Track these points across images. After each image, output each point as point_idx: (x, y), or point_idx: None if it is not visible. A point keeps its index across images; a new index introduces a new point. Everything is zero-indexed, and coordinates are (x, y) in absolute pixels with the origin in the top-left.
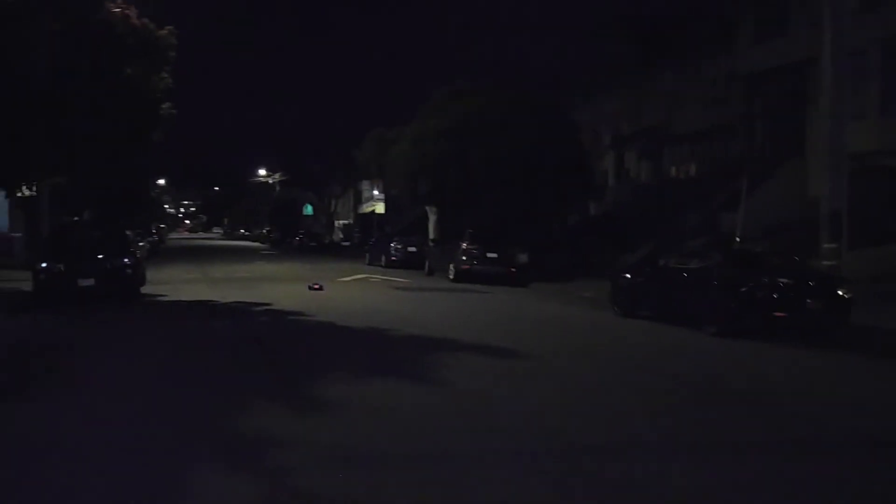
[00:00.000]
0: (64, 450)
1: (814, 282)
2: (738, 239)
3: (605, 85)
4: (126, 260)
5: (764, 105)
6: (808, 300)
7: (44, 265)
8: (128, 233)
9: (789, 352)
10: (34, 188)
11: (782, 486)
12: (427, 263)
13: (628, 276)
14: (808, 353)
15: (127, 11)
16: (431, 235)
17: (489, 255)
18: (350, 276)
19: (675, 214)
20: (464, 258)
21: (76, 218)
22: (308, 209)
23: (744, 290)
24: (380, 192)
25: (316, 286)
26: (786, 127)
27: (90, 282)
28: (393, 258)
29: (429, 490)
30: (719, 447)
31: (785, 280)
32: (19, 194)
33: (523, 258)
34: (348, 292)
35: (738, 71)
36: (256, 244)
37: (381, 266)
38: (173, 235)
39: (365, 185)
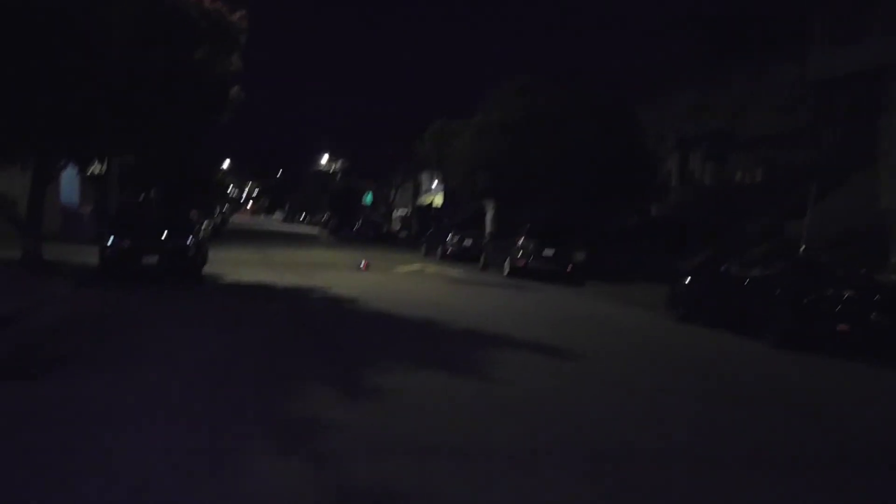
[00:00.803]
0: (120, 419)
1: (880, 295)
2: (802, 248)
3: (671, 85)
4: (189, 240)
5: (835, 112)
6: (873, 314)
7: (110, 241)
8: (192, 213)
9: (850, 367)
10: (104, 166)
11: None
12: (482, 257)
13: (687, 280)
14: (871, 368)
15: None
16: (488, 230)
17: (546, 251)
18: (406, 266)
19: (739, 220)
20: (520, 254)
21: (143, 196)
22: (368, 198)
23: (806, 301)
24: (439, 183)
25: (363, 265)
26: (857, 136)
27: (153, 259)
28: (449, 251)
29: (472, 483)
30: (769, 460)
31: (850, 292)
32: (90, 171)
33: (580, 257)
34: (403, 283)
35: (809, 76)
36: (316, 230)
37: (436, 258)
38: (235, 218)
39: (424, 176)
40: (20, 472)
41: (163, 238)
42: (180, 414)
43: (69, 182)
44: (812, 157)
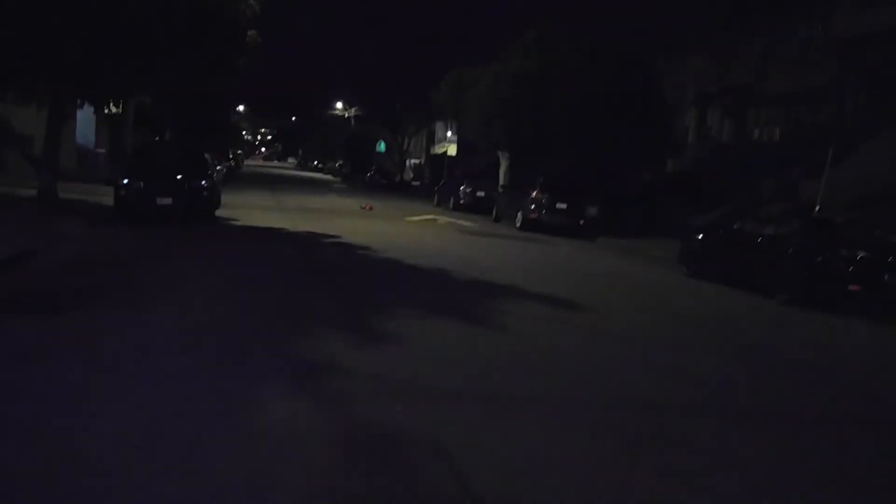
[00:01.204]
0: (135, 355)
1: (893, 257)
2: (817, 208)
3: (692, 40)
4: (203, 182)
5: (858, 72)
6: (886, 276)
7: (125, 182)
8: (206, 156)
9: (860, 327)
10: (120, 106)
11: (830, 458)
12: (495, 209)
13: (701, 236)
14: (880, 329)
15: None
16: (501, 181)
17: (559, 205)
18: (418, 216)
19: (755, 178)
20: (532, 207)
21: (157, 138)
22: (381, 146)
23: (819, 259)
24: (453, 133)
25: (367, 207)
26: (880, 97)
27: (168, 201)
28: (461, 201)
29: (480, 427)
30: (774, 414)
31: (863, 253)
32: (106, 111)
33: (593, 211)
34: (415, 232)
35: (833, 34)
36: (328, 177)
37: (448, 208)
38: (249, 162)
39: (439, 125)
40: (43, 404)
41: (177, 180)
42: (193, 352)
43: (85, 122)
44: (832, 117)
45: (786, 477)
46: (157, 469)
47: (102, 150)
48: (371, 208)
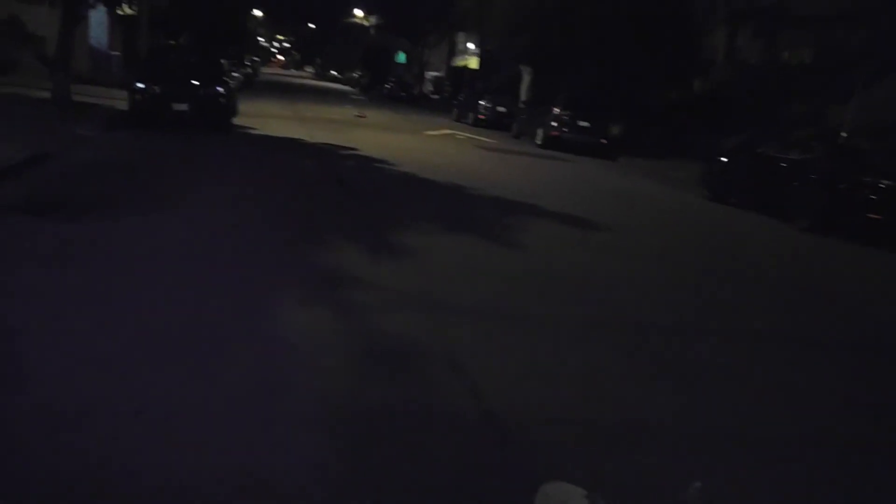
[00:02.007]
0: (154, 261)
1: None
2: (843, 134)
3: None
4: (220, 88)
5: None
6: None
7: (140, 86)
8: (223, 62)
9: (878, 256)
10: (134, 6)
11: (834, 385)
12: (515, 125)
13: (723, 159)
14: None
15: None
16: (523, 97)
17: (581, 123)
18: (436, 130)
19: (783, 101)
20: (554, 123)
21: (173, 42)
22: (401, 57)
23: (842, 186)
24: (475, 46)
25: (361, 115)
26: None
27: (184, 107)
28: (481, 116)
29: (494, 342)
30: (784, 337)
31: (886, 182)
32: (119, 12)
33: (616, 130)
34: (433, 146)
35: None
36: (346, 88)
37: (467, 123)
38: (265, 70)
39: (461, 37)
40: (60, 306)
41: (193, 85)
42: (209, 259)
43: (98, 23)
44: (864, 42)
45: (800, 399)
46: (172, 372)
47: (116, 53)
48: (365, 117)
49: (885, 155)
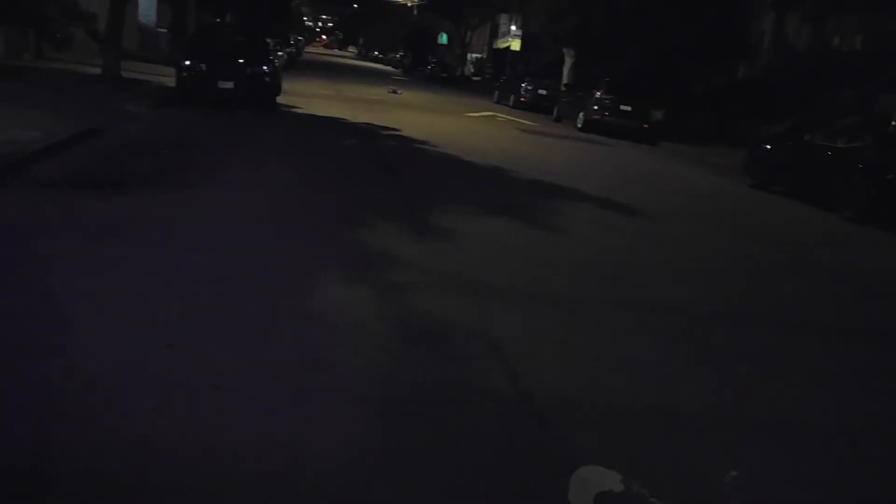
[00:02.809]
0: (194, 238)
1: None
2: (893, 123)
3: None
4: (265, 67)
5: None
6: None
7: (187, 63)
8: (268, 41)
9: None
10: None
11: (875, 378)
12: (556, 108)
13: (768, 146)
14: None
15: None
16: (565, 80)
17: (623, 107)
18: (477, 112)
19: (831, 88)
20: (595, 107)
21: (219, 20)
22: (443, 38)
23: (889, 177)
24: (518, 28)
25: (394, 91)
26: None
27: (230, 85)
28: (522, 99)
29: (532, 325)
30: (825, 329)
31: None
32: None
33: (658, 115)
34: (474, 128)
35: None
36: (389, 68)
37: (508, 105)
38: (309, 49)
39: (503, 18)
40: (111, 278)
41: (239, 63)
42: (254, 236)
43: (147, 1)
44: None
45: (839, 391)
46: (213, 347)
47: (164, 31)
48: (398, 93)
49: None
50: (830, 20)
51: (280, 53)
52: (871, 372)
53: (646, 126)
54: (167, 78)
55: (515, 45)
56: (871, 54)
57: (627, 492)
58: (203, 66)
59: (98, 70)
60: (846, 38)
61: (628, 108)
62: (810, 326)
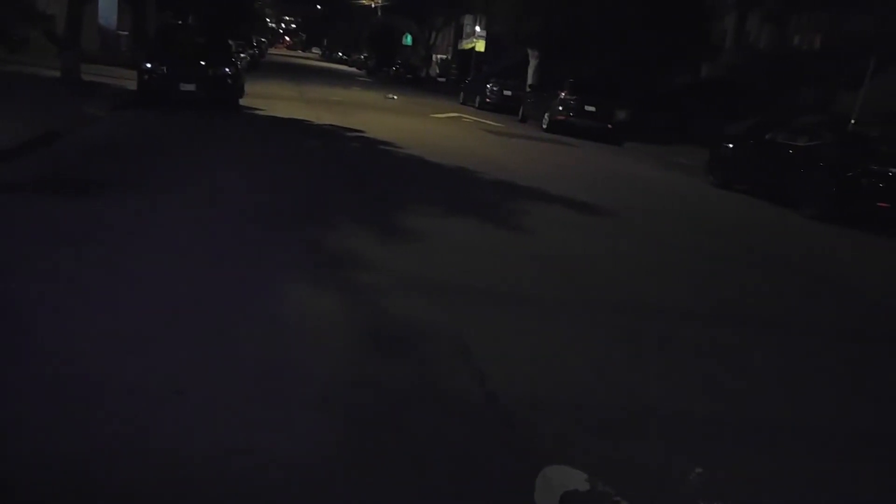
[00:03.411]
0: (156, 242)
1: None
2: (853, 121)
3: None
4: (227, 69)
5: None
6: None
7: (148, 66)
8: (230, 43)
9: (886, 244)
10: None
11: (837, 373)
12: (522, 109)
13: (730, 145)
14: None
15: None
16: (530, 81)
17: (587, 107)
18: (443, 113)
19: (791, 87)
20: (560, 108)
21: (180, 22)
22: (407, 39)
23: (850, 174)
24: (482, 28)
25: (391, 96)
26: None
27: (192, 87)
28: (487, 100)
29: (499, 326)
30: (785, 324)
31: (895, 170)
32: None
33: (622, 115)
34: (439, 129)
35: None
36: (353, 69)
37: (474, 107)
38: (272, 51)
39: (468, 19)
40: (70, 283)
41: (201, 65)
42: (216, 239)
43: (107, 2)
44: (876, 27)
45: (804, 387)
46: (176, 351)
47: (125, 33)
48: (395, 97)
49: (895, 142)
50: (791, 20)
51: (243, 55)
52: (834, 368)
53: (610, 126)
54: (128, 80)
55: (480, 45)
56: (831, 54)
57: (592, 491)
58: (165, 68)
59: (57, 73)
60: (806, 37)
61: (593, 109)
62: (774, 323)
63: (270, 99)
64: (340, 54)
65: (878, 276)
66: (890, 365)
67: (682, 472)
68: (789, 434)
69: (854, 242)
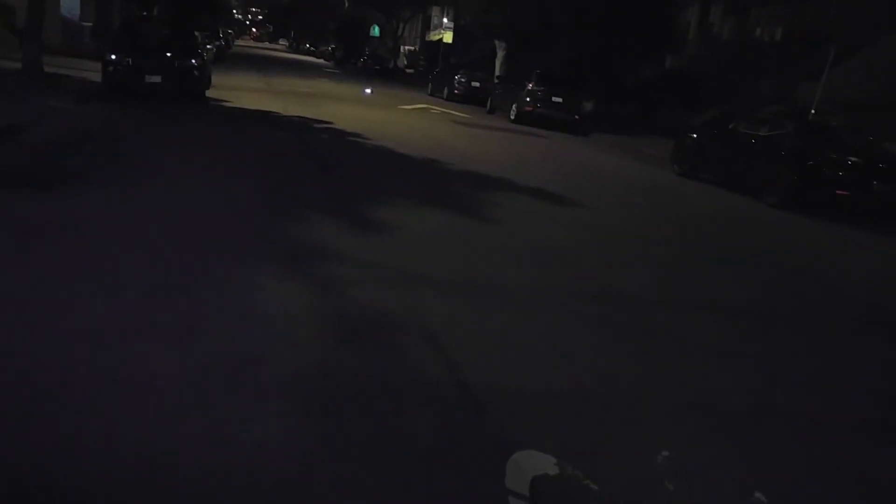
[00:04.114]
0: (122, 236)
1: (884, 164)
2: (813, 111)
3: None
4: (193, 61)
5: None
6: (875, 182)
7: (112, 57)
8: (196, 34)
9: (846, 231)
10: None
11: (803, 358)
12: (490, 100)
13: (694, 135)
14: (866, 235)
15: None
16: (497, 72)
17: (554, 98)
18: (411, 104)
19: (754, 78)
20: (528, 99)
21: (145, 13)
22: (375, 30)
23: (810, 163)
24: (449, 20)
25: (367, 91)
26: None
27: (157, 78)
28: (455, 91)
29: (468, 316)
30: (753, 312)
31: (854, 159)
32: None
33: (589, 106)
34: (408, 121)
35: None
36: (321, 61)
37: (442, 98)
38: (239, 42)
39: (435, 10)
40: (35, 279)
41: (166, 57)
42: (183, 232)
43: None
44: (835, 19)
45: (772, 372)
46: (144, 344)
47: (88, 24)
48: (372, 92)
49: (853, 132)
50: (752, 12)
51: (209, 47)
52: (799, 353)
53: (577, 117)
54: (92, 72)
55: (448, 37)
56: (791, 45)
57: (562, 475)
58: (129, 59)
59: (18, 65)
60: (767, 29)
61: (560, 100)
62: (742, 310)
63: (238, 90)
64: (308, 46)
65: (838, 262)
66: (853, 348)
67: (649, 456)
68: (756, 418)
69: (815, 230)
